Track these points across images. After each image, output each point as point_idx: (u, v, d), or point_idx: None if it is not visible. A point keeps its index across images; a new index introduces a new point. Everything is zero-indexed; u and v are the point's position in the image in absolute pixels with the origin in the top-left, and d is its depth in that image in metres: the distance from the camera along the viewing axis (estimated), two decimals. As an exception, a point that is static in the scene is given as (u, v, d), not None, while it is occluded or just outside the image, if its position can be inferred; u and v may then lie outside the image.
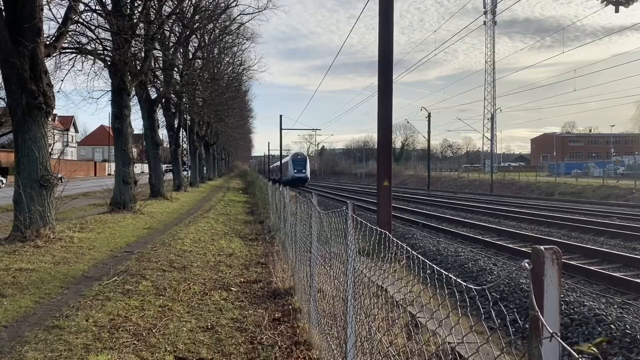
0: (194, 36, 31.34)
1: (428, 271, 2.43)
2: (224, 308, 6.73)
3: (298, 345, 5.34)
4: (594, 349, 1.28)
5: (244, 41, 39.25)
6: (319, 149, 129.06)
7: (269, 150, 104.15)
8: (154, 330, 5.62)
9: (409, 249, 2.74)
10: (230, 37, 36.55)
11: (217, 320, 6.18)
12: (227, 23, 33.13)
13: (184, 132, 40.57)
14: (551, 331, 1.37)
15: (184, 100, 33.77)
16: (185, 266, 9.28)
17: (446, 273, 2.20)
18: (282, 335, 5.71)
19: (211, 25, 31.05)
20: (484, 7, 75.95)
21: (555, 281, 1.50)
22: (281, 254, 10.46)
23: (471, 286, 1.88)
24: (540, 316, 1.44)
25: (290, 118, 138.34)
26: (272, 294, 7.57)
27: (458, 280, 2.02)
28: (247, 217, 19.97)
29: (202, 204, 26.13)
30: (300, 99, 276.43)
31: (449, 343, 2.70)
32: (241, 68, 46.45)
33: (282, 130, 60.34)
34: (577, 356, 1.24)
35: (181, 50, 31.01)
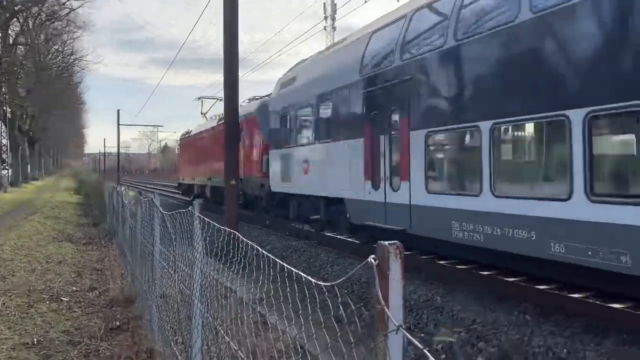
0: (15, 19, 28.12)
1: (278, 269, 2.42)
2: (53, 320, 6.12)
3: (139, 354, 5.05)
4: (450, 338, 1.36)
5: (75, 29, 36.23)
6: (162, 146, 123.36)
7: (104, 147, 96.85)
8: (-35, 353, 4.90)
9: (258, 247, 2.71)
10: (60, 23, 33.49)
11: (45, 334, 5.60)
12: (56, 8, 30.30)
13: (4, 127, 36.21)
14: (397, 324, 1.43)
15: (2, 90, 30.12)
16: (4, 276, 8.28)
17: (296, 271, 2.21)
18: (122, 345, 5.36)
19: (36, 9, 28.14)
20: (324, 13, 79.29)
21: (399, 275, 1.56)
22: (119, 258, 9.84)
23: (321, 283, 1.91)
24: (386, 310, 1.49)
25: (130, 113, 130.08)
26: (109, 302, 7.06)
27: (308, 277, 2.04)
28: (79, 220, 18.43)
29: (26, 206, 23.53)
30: (141, 92, 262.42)
31: (299, 340, 2.73)
32: (72, 58, 42.90)
33: (121, 126, 56.51)
34: (420, 347, 1.30)
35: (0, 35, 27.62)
